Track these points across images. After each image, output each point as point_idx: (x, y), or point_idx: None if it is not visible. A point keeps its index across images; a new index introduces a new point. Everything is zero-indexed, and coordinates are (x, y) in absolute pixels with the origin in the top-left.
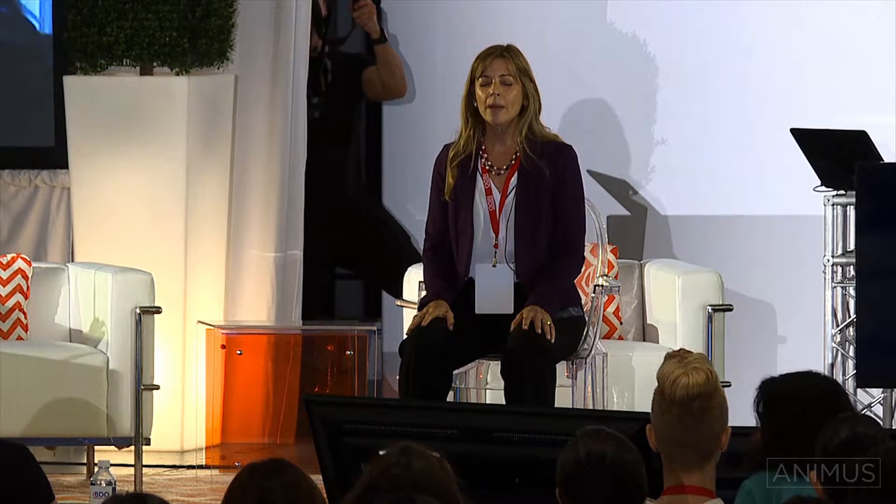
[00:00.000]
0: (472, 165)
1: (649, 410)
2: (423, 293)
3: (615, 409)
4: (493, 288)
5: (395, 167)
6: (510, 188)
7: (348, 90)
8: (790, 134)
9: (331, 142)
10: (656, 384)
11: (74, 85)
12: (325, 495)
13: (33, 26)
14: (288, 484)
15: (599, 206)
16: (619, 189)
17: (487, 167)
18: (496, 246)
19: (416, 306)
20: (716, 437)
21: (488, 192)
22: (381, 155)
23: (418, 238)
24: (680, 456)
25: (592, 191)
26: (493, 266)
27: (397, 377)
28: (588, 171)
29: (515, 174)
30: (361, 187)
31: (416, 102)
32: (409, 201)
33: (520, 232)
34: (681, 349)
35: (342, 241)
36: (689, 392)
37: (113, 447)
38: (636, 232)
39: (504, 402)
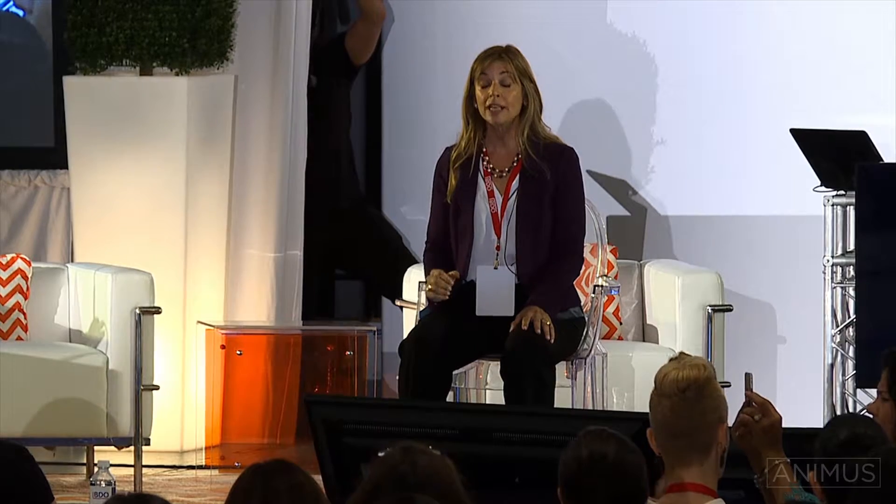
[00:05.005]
0: (472, 168)
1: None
2: (424, 294)
3: (615, 409)
4: (495, 290)
5: (394, 167)
6: (512, 191)
7: (336, 88)
8: (790, 134)
9: (330, 141)
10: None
11: (74, 85)
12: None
13: (33, 27)
14: (292, 484)
15: (599, 207)
16: (619, 189)
17: (489, 170)
18: (498, 248)
19: (415, 307)
20: (710, 428)
21: (490, 194)
22: (381, 155)
23: (410, 240)
24: (676, 449)
25: (592, 191)
26: (495, 268)
27: (397, 377)
28: (588, 172)
29: (517, 177)
30: (361, 188)
31: (416, 103)
32: (408, 202)
33: (521, 234)
34: (680, 353)
35: (342, 241)
36: (680, 384)
37: (113, 447)
38: (636, 232)
39: (504, 403)
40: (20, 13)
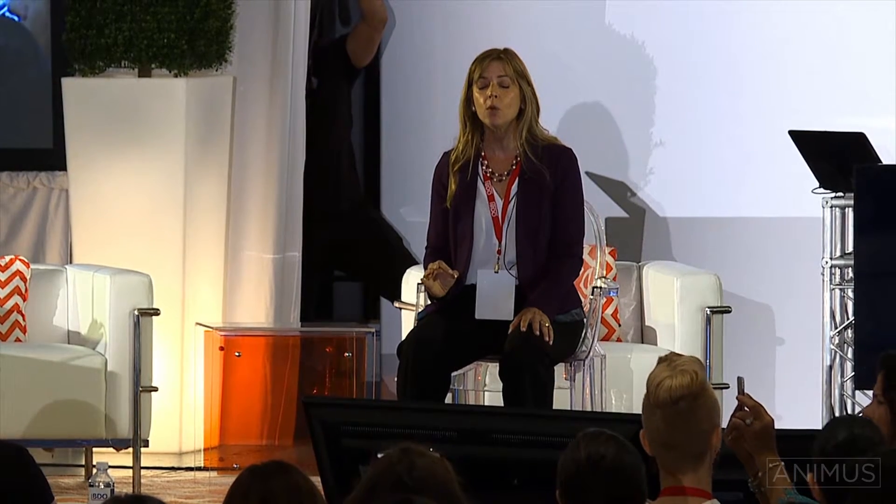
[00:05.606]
0: (471, 172)
1: None
2: (423, 294)
3: (613, 410)
4: (495, 294)
5: (393, 169)
6: (512, 194)
7: (337, 94)
8: (788, 136)
9: (330, 143)
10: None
11: (73, 87)
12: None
13: (28, 31)
14: (289, 485)
15: (598, 208)
16: (618, 191)
17: (489, 174)
18: (499, 252)
19: (414, 308)
20: (704, 437)
21: (490, 198)
22: (380, 156)
23: (409, 241)
24: (670, 458)
25: (591, 193)
26: (496, 272)
27: (395, 379)
28: (586, 173)
29: (517, 180)
30: (360, 189)
31: (415, 105)
32: (407, 204)
33: (522, 238)
34: (670, 353)
35: (341, 242)
36: (672, 394)
37: (111, 449)
38: (634, 234)
39: (502, 404)
40: (15, 18)
